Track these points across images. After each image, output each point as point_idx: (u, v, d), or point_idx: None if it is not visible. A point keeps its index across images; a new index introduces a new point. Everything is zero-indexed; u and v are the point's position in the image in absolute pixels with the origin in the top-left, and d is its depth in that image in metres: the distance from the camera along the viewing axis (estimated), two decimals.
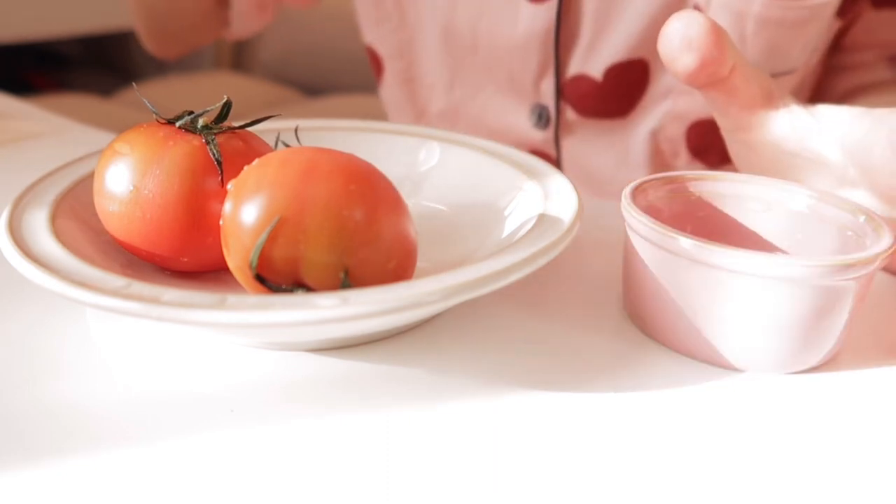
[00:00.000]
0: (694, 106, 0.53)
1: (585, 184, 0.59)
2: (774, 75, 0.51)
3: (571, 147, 0.58)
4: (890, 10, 0.54)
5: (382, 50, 0.62)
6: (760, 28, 0.48)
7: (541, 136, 0.58)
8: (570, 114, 0.56)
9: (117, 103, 1.38)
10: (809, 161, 0.33)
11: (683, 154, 0.56)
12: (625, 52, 0.52)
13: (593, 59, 0.54)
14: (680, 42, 0.31)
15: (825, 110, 0.33)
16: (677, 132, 0.55)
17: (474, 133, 0.58)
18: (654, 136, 0.55)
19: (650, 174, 0.56)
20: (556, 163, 0.59)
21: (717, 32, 0.31)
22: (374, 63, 0.64)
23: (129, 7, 0.68)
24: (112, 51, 1.82)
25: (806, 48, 0.51)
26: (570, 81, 0.55)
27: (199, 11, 0.67)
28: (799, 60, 0.52)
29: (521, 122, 0.58)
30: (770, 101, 0.33)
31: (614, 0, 0.51)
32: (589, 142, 0.57)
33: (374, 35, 0.62)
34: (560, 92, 0.55)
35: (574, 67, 0.54)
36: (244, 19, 0.67)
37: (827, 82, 0.59)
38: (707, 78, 0.32)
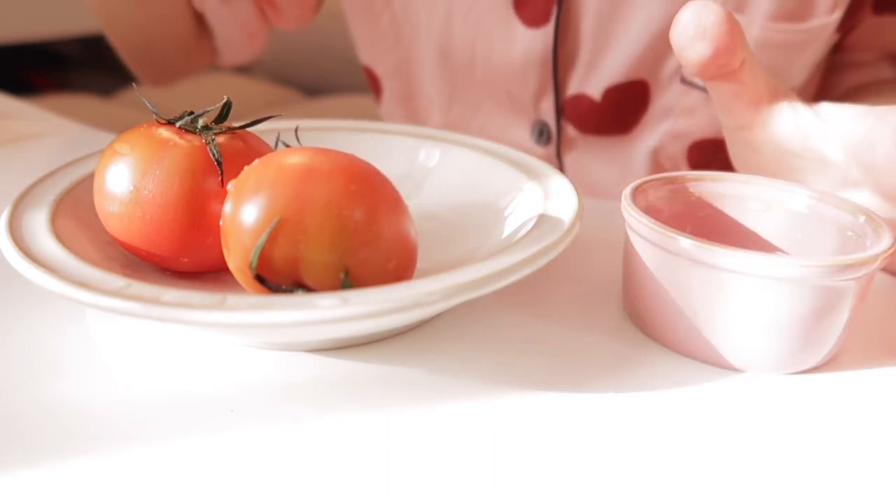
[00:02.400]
0: (694, 126, 0.53)
1: (587, 197, 0.58)
2: None
3: (573, 162, 0.58)
4: (891, 15, 0.53)
5: (379, 70, 0.62)
6: (760, 50, 0.48)
7: (542, 152, 0.57)
8: (570, 131, 0.56)
9: (117, 103, 1.38)
10: (812, 161, 0.33)
11: (684, 171, 0.55)
12: (624, 74, 0.52)
13: (592, 81, 0.53)
14: (694, 30, 0.31)
15: (829, 109, 0.33)
16: (678, 151, 0.55)
17: None
18: (656, 153, 0.55)
19: None
20: None
21: (731, 22, 0.31)
22: (372, 82, 0.63)
23: (112, 42, 0.66)
24: (112, 51, 1.82)
25: (806, 67, 0.51)
26: (570, 100, 0.55)
27: (178, 44, 0.64)
28: (799, 78, 0.52)
29: (523, 138, 0.57)
30: (775, 98, 0.33)
31: (612, 22, 0.51)
32: (590, 158, 0.57)
33: (370, 55, 0.62)
34: (560, 110, 0.55)
35: (573, 88, 0.54)
36: (233, 48, 0.65)
37: (828, 80, 0.59)
38: (718, 69, 0.32)
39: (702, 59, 0.31)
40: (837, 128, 0.32)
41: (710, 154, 0.54)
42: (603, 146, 0.56)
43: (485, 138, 0.58)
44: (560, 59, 0.53)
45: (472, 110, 0.59)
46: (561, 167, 0.58)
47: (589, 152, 0.57)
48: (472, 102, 0.58)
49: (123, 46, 0.66)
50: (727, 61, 0.31)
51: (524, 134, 0.57)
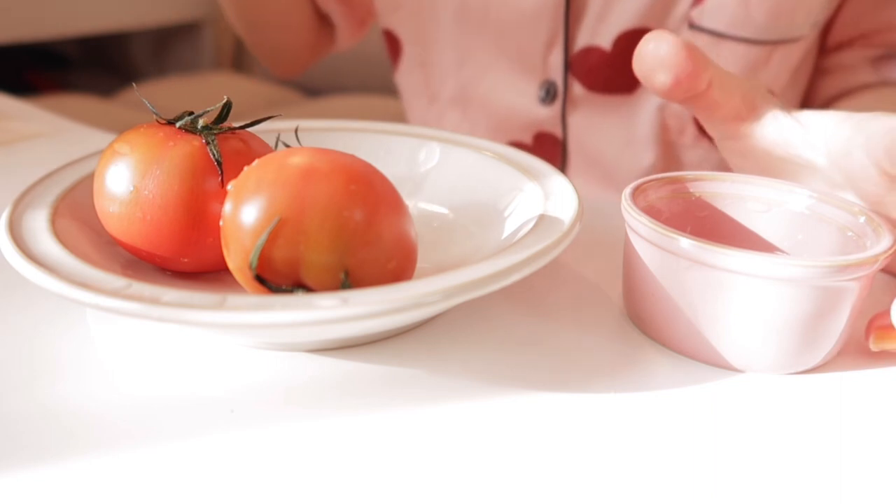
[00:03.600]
0: None
1: (590, 165, 0.60)
2: (781, 42, 0.53)
3: (577, 125, 0.59)
4: None
5: (401, 33, 0.63)
6: None
7: (547, 113, 0.58)
8: (577, 89, 0.57)
9: (117, 104, 1.38)
10: (800, 166, 0.33)
11: (690, 130, 0.57)
12: (634, 20, 0.53)
13: (603, 29, 0.55)
14: (652, 61, 0.32)
15: (809, 117, 0.33)
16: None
17: (483, 113, 0.60)
18: (661, 111, 0.56)
19: (656, 153, 0.57)
20: (562, 143, 0.60)
21: (689, 49, 0.32)
22: (392, 47, 0.66)
23: (244, 38, 0.74)
24: (112, 51, 1.82)
25: (810, 15, 0.53)
26: (579, 54, 0.56)
27: (304, 39, 0.71)
28: (804, 28, 0.53)
29: (529, 100, 0.59)
30: (754, 111, 0.34)
31: None
32: (595, 119, 0.58)
33: (392, 19, 0.64)
34: (568, 66, 0.57)
35: (583, 39, 0.56)
36: (348, 37, 0.72)
37: (813, 86, 0.61)
38: (684, 93, 0.33)
39: (665, 86, 0.32)
40: (818, 136, 0.32)
41: None
42: (609, 106, 0.57)
43: (492, 102, 0.60)
44: (572, 8, 0.55)
45: (483, 71, 0.60)
46: (565, 131, 0.59)
47: (594, 113, 0.58)
48: (483, 63, 0.60)
49: (258, 46, 0.74)
50: (690, 86, 0.32)
51: (531, 94, 0.58)
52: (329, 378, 0.28)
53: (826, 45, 0.59)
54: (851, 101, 0.56)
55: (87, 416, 0.26)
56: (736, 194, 0.33)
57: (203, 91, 1.42)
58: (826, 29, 0.58)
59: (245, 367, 0.28)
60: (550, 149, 0.60)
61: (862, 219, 0.30)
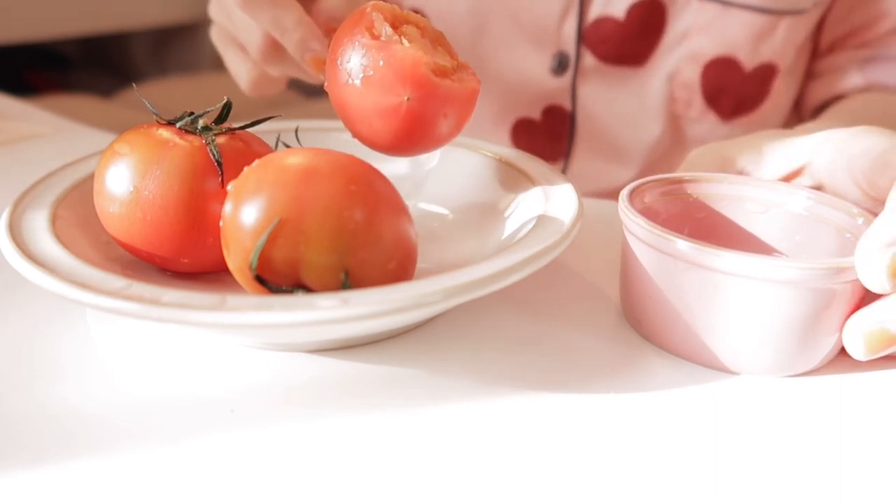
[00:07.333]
0: (709, 43, 0.56)
1: (597, 138, 0.61)
2: (786, 13, 0.55)
3: (587, 97, 0.60)
4: None
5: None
6: None
7: (558, 85, 0.60)
8: (589, 59, 0.58)
9: (117, 104, 1.38)
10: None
11: (697, 102, 0.58)
12: None
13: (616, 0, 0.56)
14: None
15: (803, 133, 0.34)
16: (692, 75, 0.57)
17: (496, 88, 0.61)
18: (670, 81, 0.58)
19: (662, 126, 0.59)
20: (570, 116, 0.61)
21: None
22: None
23: None
24: (112, 51, 1.82)
25: None
26: (593, 25, 0.57)
27: None
28: (807, 1, 0.55)
29: (541, 72, 0.60)
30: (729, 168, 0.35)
31: None
32: (605, 90, 0.59)
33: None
34: (581, 37, 0.58)
35: (597, 9, 0.57)
36: None
37: (804, 90, 0.62)
38: None
39: None
40: (806, 154, 0.33)
41: (724, 75, 0.57)
42: (618, 77, 0.59)
43: (505, 75, 0.61)
44: None
45: (498, 43, 0.61)
46: (574, 102, 0.60)
47: (604, 84, 0.59)
48: (499, 35, 0.61)
49: None
50: None
51: (544, 66, 0.59)
52: (329, 378, 0.28)
53: (818, 47, 0.60)
54: (836, 109, 0.57)
55: (87, 416, 0.26)
56: (734, 195, 0.33)
57: (203, 91, 1.41)
58: (819, 27, 0.59)
59: (245, 367, 0.28)
60: (559, 123, 0.61)
61: (860, 220, 0.30)
